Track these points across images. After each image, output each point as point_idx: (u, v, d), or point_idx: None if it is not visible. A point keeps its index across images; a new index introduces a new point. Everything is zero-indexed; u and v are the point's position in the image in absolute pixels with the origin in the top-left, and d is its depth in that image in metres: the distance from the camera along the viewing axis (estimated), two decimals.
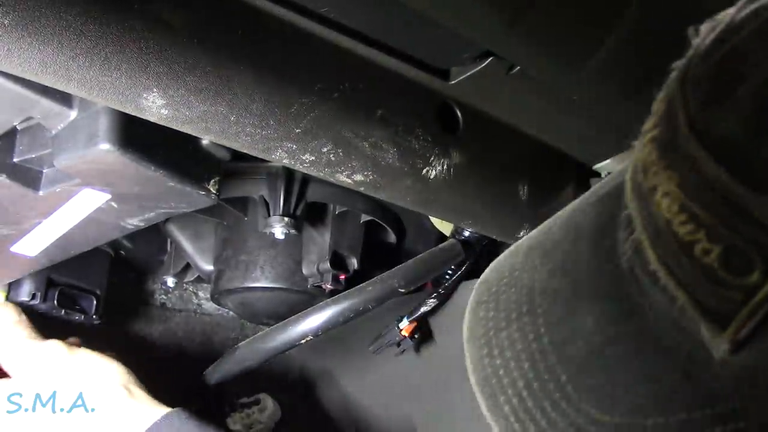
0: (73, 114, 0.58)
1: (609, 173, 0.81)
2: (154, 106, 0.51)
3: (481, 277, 0.46)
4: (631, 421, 0.35)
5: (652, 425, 0.34)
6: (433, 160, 0.66)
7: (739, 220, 0.28)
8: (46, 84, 0.49)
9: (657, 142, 0.32)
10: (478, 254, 0.87)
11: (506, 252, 0.46)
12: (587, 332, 0.37)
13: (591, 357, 0.37)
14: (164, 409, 0.71)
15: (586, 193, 0.43)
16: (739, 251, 0.28)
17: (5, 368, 0.76)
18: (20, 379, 0.73)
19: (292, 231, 0.84)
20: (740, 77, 0.29)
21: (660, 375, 0.35)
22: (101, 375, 0.73)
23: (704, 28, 0.32)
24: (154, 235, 0.98)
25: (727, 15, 0.31)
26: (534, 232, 0.45)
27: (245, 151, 0.59)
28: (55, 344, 0.75)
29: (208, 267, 0.96)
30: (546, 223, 0.45)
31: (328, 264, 0.90)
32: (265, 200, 0.86)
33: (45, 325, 0.78)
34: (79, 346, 0.78)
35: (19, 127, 0.61)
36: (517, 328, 0.41)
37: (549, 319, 0.40)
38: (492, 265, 0.46)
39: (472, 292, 0.46)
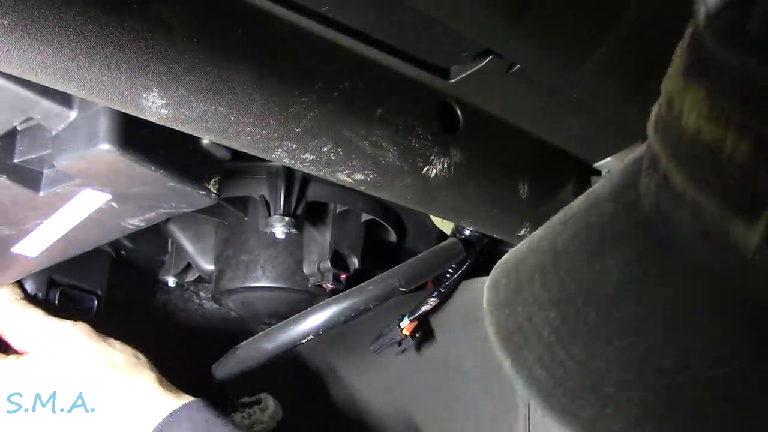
0: (73, 114, 0.58)
1: (609, 171, 0.81)
2: (154, 106, 0.51)
3: (500, 260, 0.46)
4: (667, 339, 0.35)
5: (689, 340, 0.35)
6: (433, 159, 0.66)
7: (765, 107, 0.28)
8: (46, 84, 0.49)
9: (682, 69, 0.33)
10: (478, 253, 0.87)
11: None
12: (614, 272, 0.37)
13: (619, 294, 0.37)
14: (182, 399, 0.70)
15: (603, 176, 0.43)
16: (767, 139, 0.29)
17: (14, 339, 0.76)
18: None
19: (293, 230, 0.84)
20: None
21: (685, 302, 0.35)
22: (111, 364, 0.73)
23: None
24: (155, 235, 0.98)
25: None
26: (555, 216, 0.45)
27: (245, 151, 0.59)
28: (69, 325, 0.76)
29: (209, 267, 0.96)
30: (566, 207, 0.45)
31: (329, 263, 0.90)
32: (265, 200, 0.86)
33: None
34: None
35: (19, 128, 0.61)
36: (541, 284, 0.41)
37: (574, 267, 0.40)
38: (511, 249, 0.47)
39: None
